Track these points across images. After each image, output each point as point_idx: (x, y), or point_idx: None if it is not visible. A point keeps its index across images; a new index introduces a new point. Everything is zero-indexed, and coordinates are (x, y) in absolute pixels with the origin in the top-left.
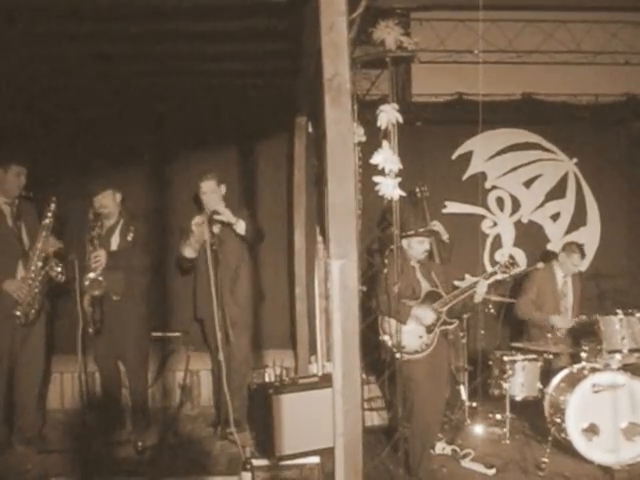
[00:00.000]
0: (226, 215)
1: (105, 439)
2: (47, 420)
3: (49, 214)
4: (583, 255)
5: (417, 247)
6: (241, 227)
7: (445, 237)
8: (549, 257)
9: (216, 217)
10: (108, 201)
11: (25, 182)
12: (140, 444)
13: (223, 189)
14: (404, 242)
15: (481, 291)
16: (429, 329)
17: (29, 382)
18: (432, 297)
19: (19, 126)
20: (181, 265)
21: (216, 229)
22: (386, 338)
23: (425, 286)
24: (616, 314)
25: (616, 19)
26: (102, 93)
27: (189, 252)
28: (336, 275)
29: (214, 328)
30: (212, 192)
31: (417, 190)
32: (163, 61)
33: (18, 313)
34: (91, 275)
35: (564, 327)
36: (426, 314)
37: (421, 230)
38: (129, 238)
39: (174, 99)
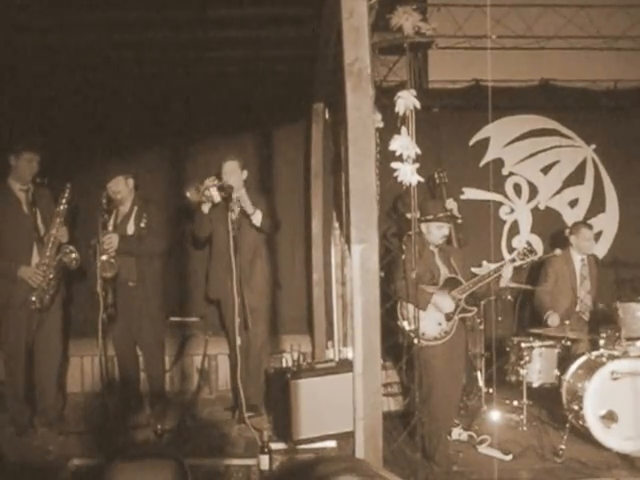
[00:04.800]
0: (246, 204)
1: (124, 422)
2: (68, 402)
3: (63, 201)
4: (592, 230)
5: (436, 232)
6: (257, 218)
7: (458, 219)
8: (566, 243)
9: (235, 203)
10: (121, 187)
11: (38, 169)
12: (159, 427)
13: (245, 174)
14: (423, 227)
15: (507, 275)
16: (448, 316)
17: (47, 365)
18: (451, 283)
19: (33, 113)
20: (196, 236)
21: (233, 215)
22: (405, 324)
23: (444, 272)
24: (638, 301)
25: (637, 3)
26: (118, 80)
27: (205, 207)
28: (357, 259)
29: (232, 313)
30: (233, 173)
31: (436, 176)
32: (179, 48)
33: (33, 299)
34: (103, 257)
35: (555, 324)
36: (445, 303)
37: (440, 215)
38: (142, 224)
39: (191, 86)
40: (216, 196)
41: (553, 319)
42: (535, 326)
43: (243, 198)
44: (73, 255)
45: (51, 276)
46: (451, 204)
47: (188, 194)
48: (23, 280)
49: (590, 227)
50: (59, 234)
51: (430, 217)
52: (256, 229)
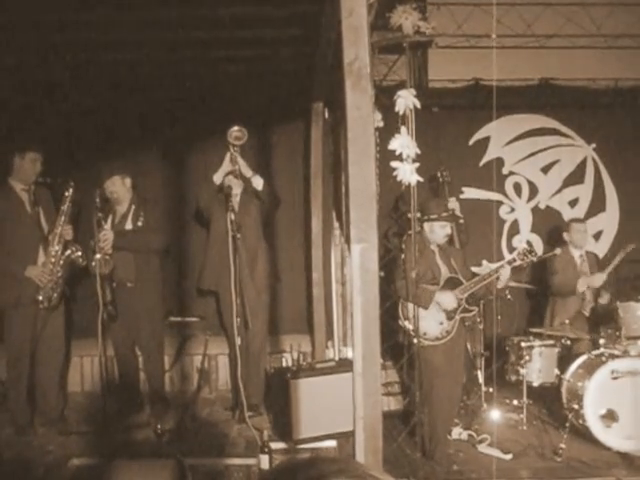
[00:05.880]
0: (243, 167)
1: (124, 422)
2: (68, 402)
3: (67, 199)
4: (583, 223)
5: (439, 231)
6: (258, 182)
7: (460, 219)
8: (565, 242)
9: (233, 166)
10: (117, 186)
11: (41, 168)
12: (159, 427)
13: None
14: (426, 226)
15: (504, 276)
16: (449, 316)
17: (50, 365)
18: (452, 283)
19: (34, 113)
20: (199, 206)
21: (233, 215)
22: (406, 323)
23: (445, 271)
24: (637, 300)
25: (638, 2)
26: (118, 79)
27: (217, 177)
28: (356, 259)
29: (231, 312)
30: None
31: (439, 175)
32: (179, 47)
33: (40, 298)
34: (97, 256)
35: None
36: (448, 299)
37: (444, 214)
38: (139, 223)
39: (190, 85)
40: (231, 170)
41: (605, 296)
42: (535, 325)
43: (241, 161)
44: (79, 253)
45: (58, 274)
46: (453, 204)
47: (237, 129)
48: (30, 280)
49: (580, 220)
50: (64, 232)
51: (434, 216)
52: (257, 198)
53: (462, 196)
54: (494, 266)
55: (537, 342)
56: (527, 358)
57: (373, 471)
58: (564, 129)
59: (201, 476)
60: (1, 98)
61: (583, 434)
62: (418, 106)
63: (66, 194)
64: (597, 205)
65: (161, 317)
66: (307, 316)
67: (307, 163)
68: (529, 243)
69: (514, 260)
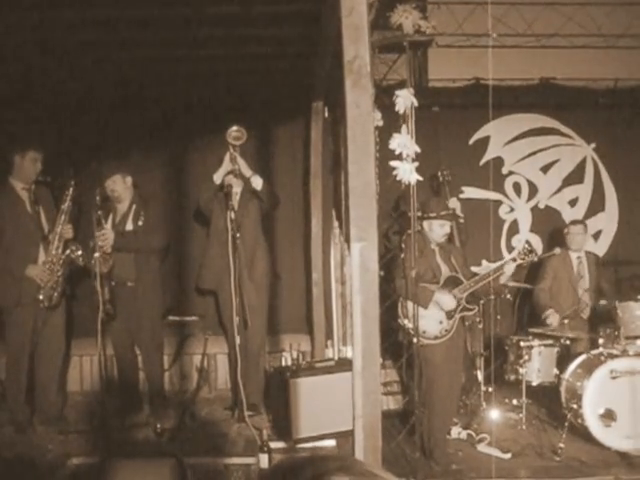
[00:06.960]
0: (242, 166)
1: (124, 421)
2: (67, 401)
3: (68, 198)
4: (582, 225)
5: (438, 230)
6: (257, 182)
7: (460, 218)
8: (564, 242)
9: (233, 166)
10: (118, 185)
11: (41, 167)
12: (158, 426)
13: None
14: (425, 224)
15: (509, 272)
16: (449, 315)
17: (50, 364)
18: (452, 282)
19: (35, 113)
20: (200, 205)
21: (233, 215)
22: (406, 322)
23: (445, 270)
24: (636, 300)
25: (638, 1)
26: (118, 78)
27: (217, 177)
28: (356, 257)
29: (230, 312)
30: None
31: (439, 174)
32: (178, 47)
33: (41, 297)
34: (96, 254)
35: (554, 324)
36: (447, 300)
37: (443, 213)
38: (140, 222)
39: (190, 84)
40: (231, 169)
41: (552, 319)
42: (534, 325)
43: (241, 161)
44: (79, 252)
45: (59, 273)
46: (454, 203)
47: (236, 130)
48: (31, 279)
49: (577, 222)
50: (64, 231)
51: (433, 215)
52: (257, 198)
53: (462, 196)
54: (494, 266)
55: (536, 342)
56: (526, 358)
57: (375, 469)
58: (564, 129)
59: (201, 475)
60: (2, 98)
61: (582, 433)
62: (416, 105)
63: (66, 193)
64: (596, 205)
65: (160, 316)
66: (306, 315)
67: (307, 162)
68: (528, 242)
69: (515, 260)
